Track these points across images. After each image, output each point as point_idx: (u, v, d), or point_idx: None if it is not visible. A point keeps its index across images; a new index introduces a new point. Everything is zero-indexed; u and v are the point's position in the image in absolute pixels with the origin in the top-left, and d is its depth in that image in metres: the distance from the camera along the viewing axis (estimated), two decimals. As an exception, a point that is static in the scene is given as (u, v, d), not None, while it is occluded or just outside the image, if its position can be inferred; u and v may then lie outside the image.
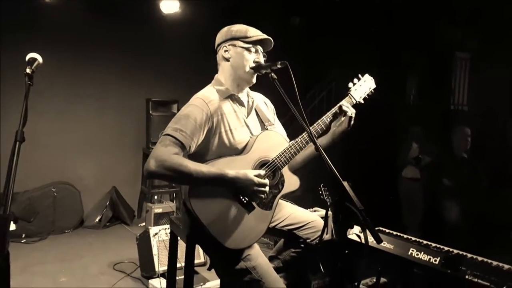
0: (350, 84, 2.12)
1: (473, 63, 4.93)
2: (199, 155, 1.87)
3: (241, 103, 2.02)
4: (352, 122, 2.04)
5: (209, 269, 1.95)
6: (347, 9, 5.21)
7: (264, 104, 2.18)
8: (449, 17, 4.52)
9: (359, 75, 2.16)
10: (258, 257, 1.84)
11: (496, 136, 4.08)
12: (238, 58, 1.94)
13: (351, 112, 2.02)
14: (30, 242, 4.18)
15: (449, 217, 3.77)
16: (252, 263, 1.80)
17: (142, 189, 5.18)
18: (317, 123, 2.02)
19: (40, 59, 1.77)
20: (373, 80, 2.19)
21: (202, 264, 3.45)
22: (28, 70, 1.71)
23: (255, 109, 2.08)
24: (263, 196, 1.84)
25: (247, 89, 2.07)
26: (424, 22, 4.60)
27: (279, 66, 1.79)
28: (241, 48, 1.94)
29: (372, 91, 2.19)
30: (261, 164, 1.93)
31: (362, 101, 2.15)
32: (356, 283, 2.46)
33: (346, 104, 2.04)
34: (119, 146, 5.23)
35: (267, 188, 1.81)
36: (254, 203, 1.86)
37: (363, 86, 2.14)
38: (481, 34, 4.29)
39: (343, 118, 2.03)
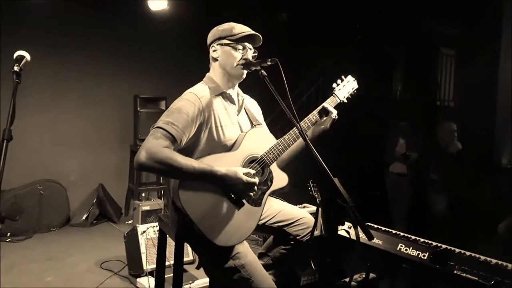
0: (334, 85, 2.23)
1: (458, 58, 4.98)
2: (189, 150, 1.86)
3: (232, 101, 2.03)
4: (334, 122, 2.14)
5: (197, 267, 1.93)
6: (334, 4, 5.21)
7: (251, 104, 2.20)
8: (436, 12, 4.55)
9: (342, 76, 2.27)
10: (247, 255, 1.83)
11: (482, 131, 4.13)
12: (225, 57, 1.96)
13: (335, 113, 2.12)
14: (16, 241, 4.11)
15: (437, 212, 3.82)
16: (241, 261, 1.80)
17: (129, 186, 5.13)
18: (303, 121, 2.08)
19: (28, 56, 1.75)
20: (356, 80, 2.30)
21: (191, 262, 3.43)
22: (16, 68, 1.68)
23: (244, 108, 2.10)
24: (251, 194, 1.85)
25: (237, 88, 2.08)
26: (410, 17, 4.63)
27: (269, 63, 1.79)
28: (227, 47, 1.95)
29: (355, 91, 2.30)
30: (250, 161, 1.93)
31: (346, 101, 2.25)
32: (348, 279, 2.47)
33: (330, 104, 2.14)
34: (106, 143, 5.17)
35: (255, 187, 1.83)
36: (243, 200, 1.86)
37: (346, 87, 2.26)
38: (466, 29, 4.34)
39: (325, 118, 2.13)
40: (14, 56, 1.72)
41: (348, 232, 2.38)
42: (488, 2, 4.04)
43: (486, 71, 4.09)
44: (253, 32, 1.96)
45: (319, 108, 2.13)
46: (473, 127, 4.14)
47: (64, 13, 4.60)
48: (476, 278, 1.92)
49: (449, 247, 2.23)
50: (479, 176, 3.69)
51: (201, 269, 1.93)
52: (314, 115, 2.11)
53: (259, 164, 1.93)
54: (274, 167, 2.01)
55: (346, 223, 1.94)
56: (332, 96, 2.19)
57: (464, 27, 4.39)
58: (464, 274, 1.97)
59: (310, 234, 1.99)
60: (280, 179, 2.02)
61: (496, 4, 4.03)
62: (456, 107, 4.96)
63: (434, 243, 2.29)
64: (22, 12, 4.38)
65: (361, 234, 1.36)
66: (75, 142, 4.93)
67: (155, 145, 1.69)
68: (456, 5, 4.35)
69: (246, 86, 2.15)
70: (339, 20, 5.14)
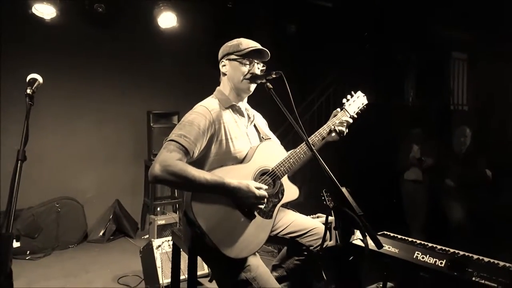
0: (344, 100, 2.24)
1: (470, 62, 4.92)
2: (200, 163, 1.89)
3: (241, 114, 2.08)
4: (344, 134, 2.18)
5: (210, 280, 1.94)
6: (342, 13, 5.23)
7: (258, 118, 2.24)
8: (446, 17, 4.52)
9: (352, 92, 2.29)
10: (259, 268, 1.84)
11: (497, 134, 4.07)
12: (232, 71, 2.02)
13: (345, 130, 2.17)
14: (35, 259, 4.17)
15: (454, 218, 3.75)
16: (252, 274, 1.80)
17: (144, 201, 5.18)
18: (314, 134, 2.11)
19: (40, 79, 1.79)
20: (365, 96, 2.32)
21: (206, 276, 3.42)
22: (28, 91, 1.73)
23: (254, 124, 2.14)
24: (262, 207, 1.86)
25: (246, 104, 2.13)
26: (420, 23, 4.61)
27: (274, 76, 1.84)
28: (235, 62, 2.00)
29: (365, 106, 2.32)
30: (261, 173, 1.95)
31: (356, 116, 2.26)
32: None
33: (341, 120, 2.16)
34: (121, 159, 5.23)
35: (265, 200, 1.85)
36: (255, 212, 1.87)
37: (356, 102, 2.28)
38: (477, 33, 4.30)
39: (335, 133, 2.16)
40: (27, 79, 1.76)
41: (363, 241, 2.35)
42: (498, 5, 4.00)
43: (498, 74, 4.04)
44: (259, 47, 2.00)
45: (330, 123, 2.15)
46: (488, 131, 4.08)
47: (74, 33, 4.69)
48: (496, 285, 1.88)
49: (466, 254, 2.19)
50: (496, 180, 3.62)
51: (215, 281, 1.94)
52: (325, 129, 2.13)
53: (271, 176, 1.95)
54: (285, 180, 2.03)
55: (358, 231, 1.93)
56: (342, 111, 2.21)
57: (474, 31, 4.35)
58: (483, 281, 1.93)
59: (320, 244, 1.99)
60: (291, 192, 2.04)
61: (507, 7, 3.99)
62: (470, 111, 4.89)
63: (452, 250, 2.25)
64: (35, 34, 4.48)
65: (371, 242, 1.35)
66: (90, 160, 5.00)
67: (169, 157, 1.72)
68: (466, 9, 4.32)
69: (255, 100, 2.18)
70: (348, 29, 5.15)
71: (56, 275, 3.76)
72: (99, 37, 4.86)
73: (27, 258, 4.16)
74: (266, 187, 1.88)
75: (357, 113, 2.26)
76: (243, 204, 1.83)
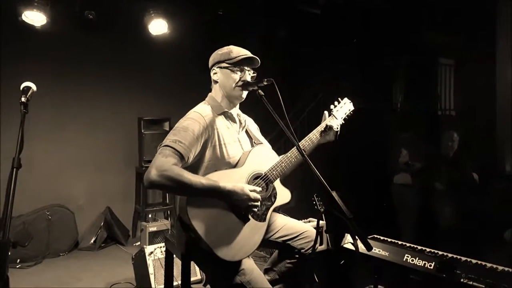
0: (332, 106, 2.33)
1: (457, 67, 5.01)
2: (194, 168, 1.92)
3: (233, 120, 2.12)
4: (337, 134, 2.25)
5: (204, 285, 1.96)
6: (331, 19, 5.29)
7: (250, 123, 2.28)
8: (432, 23, 4.61)
9: (339, 98, 2.38)
10: (253, 271, 1.86)
11: (484, 139, 4.14)
12: (224, 79, 2.05)
13: (336, 126, 2.24)
14: (26, 267, 4.13)
15: (442, 221, 3.81)
16: (246, 277, 1.83)
17: (136, 208, 5.16)
18: (304, 139, 2.17)
19: (34, 87, 1.81)
20: (351, 102, 2.41)
21: (199, 282, 3.43)
22: (23, 99, 1.74)
23: (246, 129, 2.18)
24: (256, 210, 1.90)
25: (237, 110, 2.16)
26: (408, 28, 4.69)
27: (265, 83, 1.88)
28: (226, 69, 2.04)
29: (351, 112, 2.41)
30: (255, 177, 1.99)
31: (343, 121, 2.35)
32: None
33: (331, 122, 2.24)
34: (112, 166, 5.21)
35: (259, 203, 1.89)
36: (249, 215, 1.91)
37: (343, 108, 2.37)
38: (463, 38, 4.38)
39: (328, 132, 2.24)
40: (21, 88, 1.78)
41: (354, 245, 2.39)
42: (482, 11, 4.09)
43: (484, 78, 4.12)
44: (250, 55, 2.05)
45: (319, 128, 2.23)
46: (475, 135, 4.15)
47: (65, 40, 4.69)
48: (483, 286, 1.93)
49: (455, 256, 2.23)
50: (484, 184, 3.69)
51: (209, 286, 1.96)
52: (314, 134, 2.20)
53: (263, 180, 2.00)
54: (277, 184, 2.08)
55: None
56: (330, 117, 2.29)
57: (460, 36, 4.44)
58: (471, 282, 1.97)
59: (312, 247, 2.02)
60: (284, 195, 2.08)
61: (490, 12, 4.08)
62: (457, 115, 4.98)
63: (441, 253, 2.30)
64: (24, 42, 4.46)
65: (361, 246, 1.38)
66: (81, 167, 4.98)
67: (164, 162, 1.74)
68: (452, 15, 4.41)
69: (248, 106, 2.22)
70: (337, 35, 5.21)
71: (47, 284, 3.73)
72: (90, 44, 4.86)
73: (17, 266, 4.11)
74: (260, 189, 1.92)
75: (344, 119, 2.35)
76: (238, 206, 1.86)
